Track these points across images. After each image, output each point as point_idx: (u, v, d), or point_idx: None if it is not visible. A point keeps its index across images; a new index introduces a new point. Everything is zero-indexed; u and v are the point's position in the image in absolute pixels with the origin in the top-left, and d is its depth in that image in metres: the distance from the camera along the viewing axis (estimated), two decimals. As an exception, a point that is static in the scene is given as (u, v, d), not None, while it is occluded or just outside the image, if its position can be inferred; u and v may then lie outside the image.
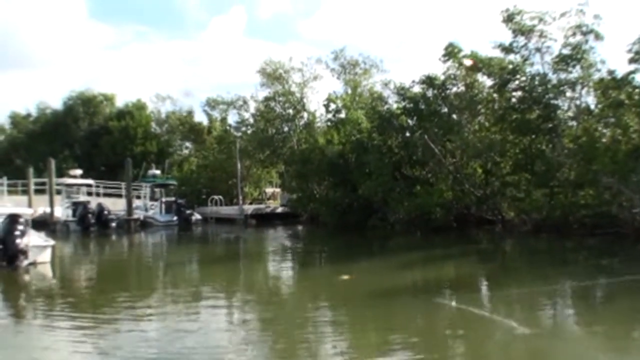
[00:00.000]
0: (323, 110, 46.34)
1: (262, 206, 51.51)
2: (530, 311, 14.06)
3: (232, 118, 59.78)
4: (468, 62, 32.99)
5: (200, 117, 66.56)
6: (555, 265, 21.98)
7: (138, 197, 48.33)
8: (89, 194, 47.22)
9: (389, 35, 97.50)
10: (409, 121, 36.67)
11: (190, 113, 68.03)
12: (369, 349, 11.29)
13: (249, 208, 48.91)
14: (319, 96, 53.37)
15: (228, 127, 59.44)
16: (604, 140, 28.79)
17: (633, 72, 27.93)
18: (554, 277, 19.01)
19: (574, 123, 31.28)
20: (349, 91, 45.67)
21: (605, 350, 11.11)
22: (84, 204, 42.84)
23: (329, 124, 44.89)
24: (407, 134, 36.68)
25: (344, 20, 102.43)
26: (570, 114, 31.79)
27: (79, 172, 46.86)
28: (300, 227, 43.55)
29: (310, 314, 14.39)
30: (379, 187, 35.78)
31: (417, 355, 10.55)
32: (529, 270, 21.34)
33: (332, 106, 43.81)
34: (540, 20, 31.26)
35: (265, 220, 46.09)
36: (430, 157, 34.73)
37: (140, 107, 69.67)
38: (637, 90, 27.92)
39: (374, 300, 15.17)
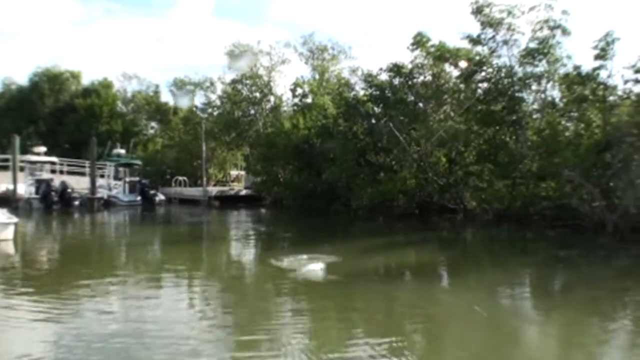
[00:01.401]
0: (290, 94, 46.11)
1: (226, 188, 50.95)
2: (489, 297, 14.18)
3: (198, 99, 59.10)
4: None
5: (167, 97, 65.77)
6: (515, 255, 22.06)
7: (102, 176, 47.40)
8: (53, 171, 46.21)
9: (359, 21, 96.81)
10: (375, 108, 36.55)
11: (156, 93, 67.19)
12: (329, 333, 11.24)
13: (213, 190, 48.37)
14: (287, 80, 52.96)
15: (194, 108, 58.70)
16: (567, 134, 28.90)
17: (598, 68, 27.93)
18: (513, 266, 19.08)
19: (538, 116, 31.34)
20: (317, 76, 45.36)
21: (560, 335, 11.46)
22: (47, 182, 41.99)
23: (295, 108, 44.53)
24: (373, 121, 36.44)
25: (315, 3, 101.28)
26: (535, 107, 31.92)
27: (43, 149, 45.83)
28: (263, 211, 43.15)
29: (272, 298, 14.22)
30: (343, 173, 35.68)
31: (379, 339, 10.41)
32: (489, 259, 21.42)
33: (299, 91, 43.55)
34: (509, 13, 31.24)
35: (228, 202, 45.57)
36: (395, 144, 34.59)
37: (106, 85, 68.25)
38: (601, 86, 27.98)
39: (336, 285, 14.99)
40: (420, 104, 35.01)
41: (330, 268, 16.43)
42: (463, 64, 32.46)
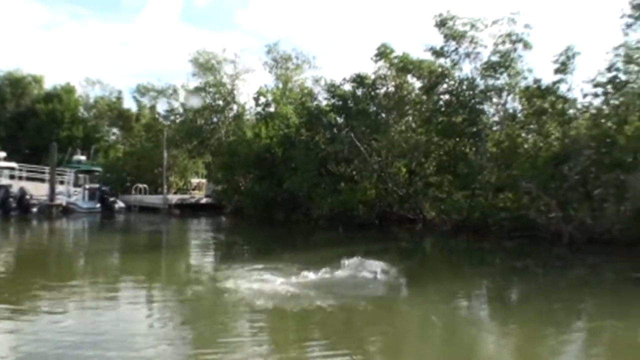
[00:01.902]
0: (253, 103, 45.71)
1: (186, 196, 50.38)
2: (447, 307, 14.09)
3: (161, 106, 58.52)
4: None
5: (130, 104, 65.07)
6: (473, 266, 22.02)
7: (61, 183, 46.62)
8: (12, 177, 45.25)
9: (325, 31, 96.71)
10: (337, 118, 36.39)
11: (119, 99, 66.48)
12: (284, 345, 11.08)
13: (173, 198, 47.84)
14: (250, 89, 52.68)
15: (157, 115, 58.15)
16: (526, 146, 28.86)
17: (558, 82, 28.44)
18: (470, 276, 19.02)
19: (499, 128, 31.38)
20: (280, 85, 45.14)
21: (516, 344, 11.47)
22: (6, 188, 41.08)
23: (258, 117, 44.24)
24: (335, 131, 36.23)
25: (281, 12, 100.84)
26: (495, 119, 32.08)
27: (2, 154, 44.95)
28: (224, 219, 42.68)
29: (230, 308, 13.75)
30: (304, 182, 35.45)
31: (336, 351, 10.38)
32: (447, 269, 21.32)
33: (262, 100, 43.26)
34: (472, 26, 31.52)
35: (189, 210, 45.10)
36: (356, 155, 34.44)
37: (69, 90, 67.32)
38: (560, 99, 28.25)
39: (294, 297, 14.53)
40: (383, 115, 35.00)
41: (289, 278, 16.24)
42: None
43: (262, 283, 15.72)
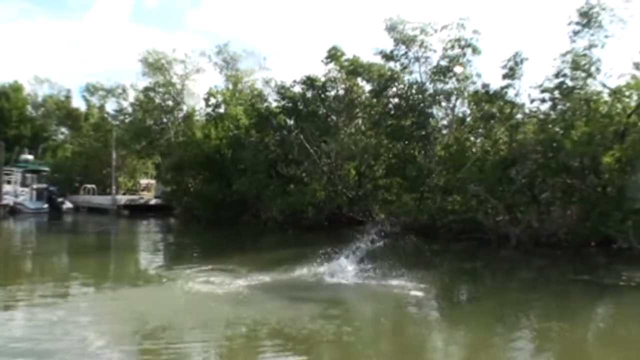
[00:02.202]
0: (203, 103, 44.91)
1: (135, 197, 49.59)
2: (396, 308, 13.91)
3: (110, 106, 57.14)
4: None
5: (79, 103, 63.65)
6: (421, 267, 21.75)
7: (8, 183, 45.46)
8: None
9: (276, 32, 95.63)
10: (287, 120, 35.96)
11: (68, 98, 65.05)
12: (230, 347, 10.71)
13: (122, 198, 47.04)
14: (200, 89, 51.90)
15: (106, 115, 56.98)
16: (474, 150, 28.89)
17: (506, 87, 28.27)
18: (419, 277, 18.79)
19: (447, 132, 31.35)
20: (230, 86, 44.51)
21: (466, 342, 11.49)
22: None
23: (207, 118, 43.55)
24: (285, 133, 35.86)
25: (232, 13, 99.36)
26: (444, 123, 31.99)
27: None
28: (173, 220, 41.99)
29: (176, 310, 13.15)
30: (253, 184, 34.99)
31: (282, 352, 10.26)
32: (396, 270, 21.04)
33: (212, 100, 42.56)
34: (422, 31, 31.34)
35: (138, 211, 44.34)
36: (306, 157, 34.03)
37: (17, 88, 65.70)
38: (508, 104, 28.25)
39: (243, 298, 14.18)
40: (332, 117, 34.65)
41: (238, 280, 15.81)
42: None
43: (210, 285, 15.34)
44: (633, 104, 25.08)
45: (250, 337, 11.27)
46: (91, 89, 57.98)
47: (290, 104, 35.45)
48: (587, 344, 11.87)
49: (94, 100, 59.00)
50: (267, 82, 39.29)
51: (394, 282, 16.15)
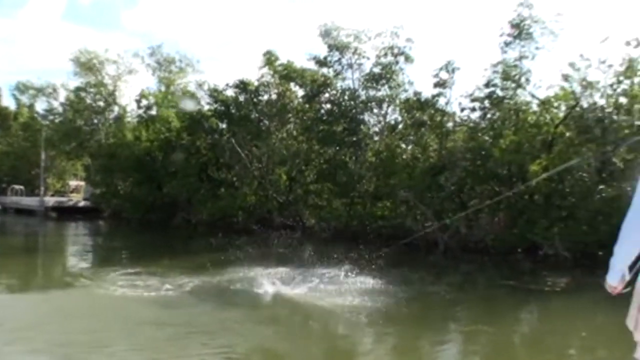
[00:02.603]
0: (135, 105, 43.65)
1: (64, 199, 48.00)
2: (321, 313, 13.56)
3: (40, 105, 55.05)
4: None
5: (7, 102, 61.38)
6: (351, 272, 21.32)
7: None
8: None
9: (212, 35, 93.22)
10: (219, 124, 35.21)
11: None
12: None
13: (51, 200, 45.39)
14: (132, 91, 50.46)
15: (35, 115, 55.03)
16: (404, 156, 28.78)
17: (437, 95, 28.19)
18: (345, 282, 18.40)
19: (378, 138, 31.11)
20: (163, 89, 43.48)
21: (393, 346, 11.53)
22: None
23: (139, 120, 42.45)
24: (216, 137, 35.08)
25: (168, 14, 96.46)
26: (376, 129, 31.72)
27: None
28: (102, 223, 40.59)
29: (102, 313, 12.62)
30: (184, 187, 34.23)
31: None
32: (325, 275, 20.60)
33: (144, 102, 41.49)
34: (356, 38, 31.06)
35: (66, 213, 42.66)
36: (237, 161, 33.29)
37: (-57, 85, 63.62)
38: (439, 112, 28.19)
39: (169, 302, 13.80)
40: (265, 122, 34.01)
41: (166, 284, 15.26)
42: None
43: (136, 288, 14.79)
44: (561, 114, 25.21)
45: (175, 339, 10.77)
46: (21, 88, 55.70)
47: (222, 108, 34.66)
48: (511, 347, 11.90)
49: (24, 99, 57.03)
50: (200, 85, 38.35)
51: (322, 287, 15.83)
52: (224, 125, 35.05)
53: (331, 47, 31.31)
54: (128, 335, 10.91)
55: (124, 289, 14.77)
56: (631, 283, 4.32)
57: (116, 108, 46.01)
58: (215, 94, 35.13)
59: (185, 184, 34.26)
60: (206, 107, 36.58)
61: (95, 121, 46.59)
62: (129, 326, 11.59)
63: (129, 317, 12.37)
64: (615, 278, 4.35)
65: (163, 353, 9.97)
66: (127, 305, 13.34)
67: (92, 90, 46.13)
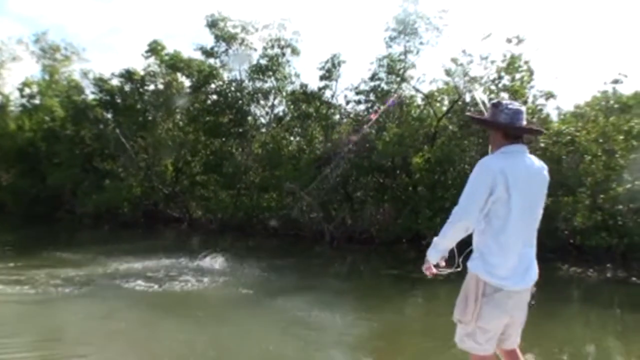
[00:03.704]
0: (18, 94, 40.70)
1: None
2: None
3: None
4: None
5: None
6: (236, 263, 20.28)
7: None
8: None
9: (100, 22, 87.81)
10: (105, 114, 33.05)
11: None
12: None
13: None
14: (16, 79, 47.03)
15: None
16: (290, 148, 27.91)
17: (323, 88, 27.49)
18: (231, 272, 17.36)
19: (265, 130, 29.97)
20: (47, 77, 40.78)
21: (280, 335, 10.93)
22: None
23: (22, 109, 39.68)
24: (101, 127, 32.92)
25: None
26: (262, 121, 30.59)
27: None
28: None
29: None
30: (67, 179, 31.85)
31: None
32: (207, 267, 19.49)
33: (27, 91, 38.74)
34: (243, 29, 29.77)
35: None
36: (123, 151, 31.20)
37: None
38: (324, 104, 27.43)
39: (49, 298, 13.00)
40: (151, 112, 32.21)
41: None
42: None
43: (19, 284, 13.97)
44: (444, 108, 24.87)
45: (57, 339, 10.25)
46: None
47: (108, 97, 32.53)
48: (395, 333, 11.61)
49: None
50: (85, 74, 35.93)
51: (205, 279, 15.43)
52: (110, 116, 32.89)
53: (218, 38, 29.84)
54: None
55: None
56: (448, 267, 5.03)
57: (-1, 97, 42.82)
58: (100, 83, 32.87)
59: (69, 175, 31.91)
60: (91, 97, 34.30)
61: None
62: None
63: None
64: (436, 257, 4.97)
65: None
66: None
67: (-28, 78, 42.84)
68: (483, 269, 4.71)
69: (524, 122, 4.90)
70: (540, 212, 4.90)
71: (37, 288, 13.66)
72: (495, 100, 5.03)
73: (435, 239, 4.87)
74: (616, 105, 21.85)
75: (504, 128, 4.87)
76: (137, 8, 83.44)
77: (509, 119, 4.84)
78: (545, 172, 4.95)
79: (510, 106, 4.89)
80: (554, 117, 23.48)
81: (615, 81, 22.21)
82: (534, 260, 4.87)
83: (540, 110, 22.66)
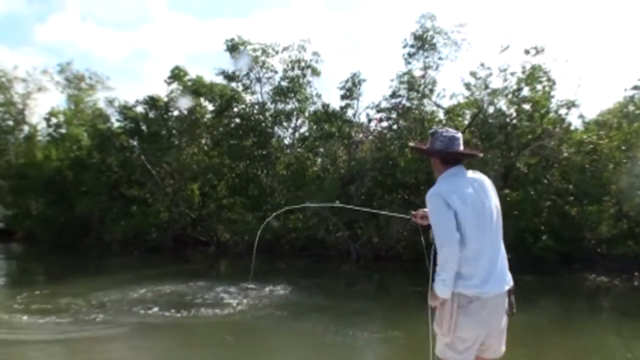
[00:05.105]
0: (45, 124, 41.28)
1: (-25, 222, 45.40)
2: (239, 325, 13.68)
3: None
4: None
5: None
6: (264, 284, 20.40)
7: None
8: None
9: (121, 49, 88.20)
10: (130, 141, 33.57)
11: None
12: None
13: (-43, 223, 42.77)
14: (42, 109, 47.68)
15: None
16: (314, 168, 28.17)
17: (344, 107, 27.74)
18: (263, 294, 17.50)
19: (289, 151, 30.29)
20: (72, 106, 41.36)
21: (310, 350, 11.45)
22: None
23: (49, 139, 40.28)
24: (127, 154, 33.41)
25: (79, 29, 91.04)
26: (286, 142, 31.01)
27: None
28: (15, 245, 38.49)
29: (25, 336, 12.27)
30: (95, 206, 32.32)
31: None
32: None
33: (54, 120, 39.35)
34: (264, 52, 30.16)
35: (-23, 236, 40.43)
36: (149, 178, 31.74)
37: None
38: (346, 123, 27.64)
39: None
40: (175, 138, 32.63)
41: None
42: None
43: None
44: (466, 122, 24.96)
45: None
46: None
47: (132, 125, 33.06)
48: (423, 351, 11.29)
49: None
50: (110, 102, 36.47)
51: (234, 302, 15.77)
52: (135, 142, 33.35)
53: (239, 62, 30.25)
54: None
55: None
56: None
57: (26, 127, 43.41)
58: (125, 111, 33.49)
59: (96, 203, 32.39)
60: (116, 124, 34.81)
61: (7, 141, 43.97)
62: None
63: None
64: (446, 292, 4.95)
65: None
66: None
67: (0, 109, 43.57)
68: (456, 282, 4.91)
69: (461, 147, 5.27)
70: (498, 216, 5.17)
71: (70, 317, 13.81)
72: (432, 130, 5.45)
73: (441, 275, 4.89)
74: (637, 112, 21.74)
75: (440, 154, 5.26)
76: (161, 33, 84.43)
77: (444, 145, 5.21)
78: (487, 179, 5.32)
79: (445, 134, 5.28)
80: (579, 125, 23.48)
81: (636, 87, 22.15)
82: (505, 265, 5.13)
83: (563, 120, 22.60)
